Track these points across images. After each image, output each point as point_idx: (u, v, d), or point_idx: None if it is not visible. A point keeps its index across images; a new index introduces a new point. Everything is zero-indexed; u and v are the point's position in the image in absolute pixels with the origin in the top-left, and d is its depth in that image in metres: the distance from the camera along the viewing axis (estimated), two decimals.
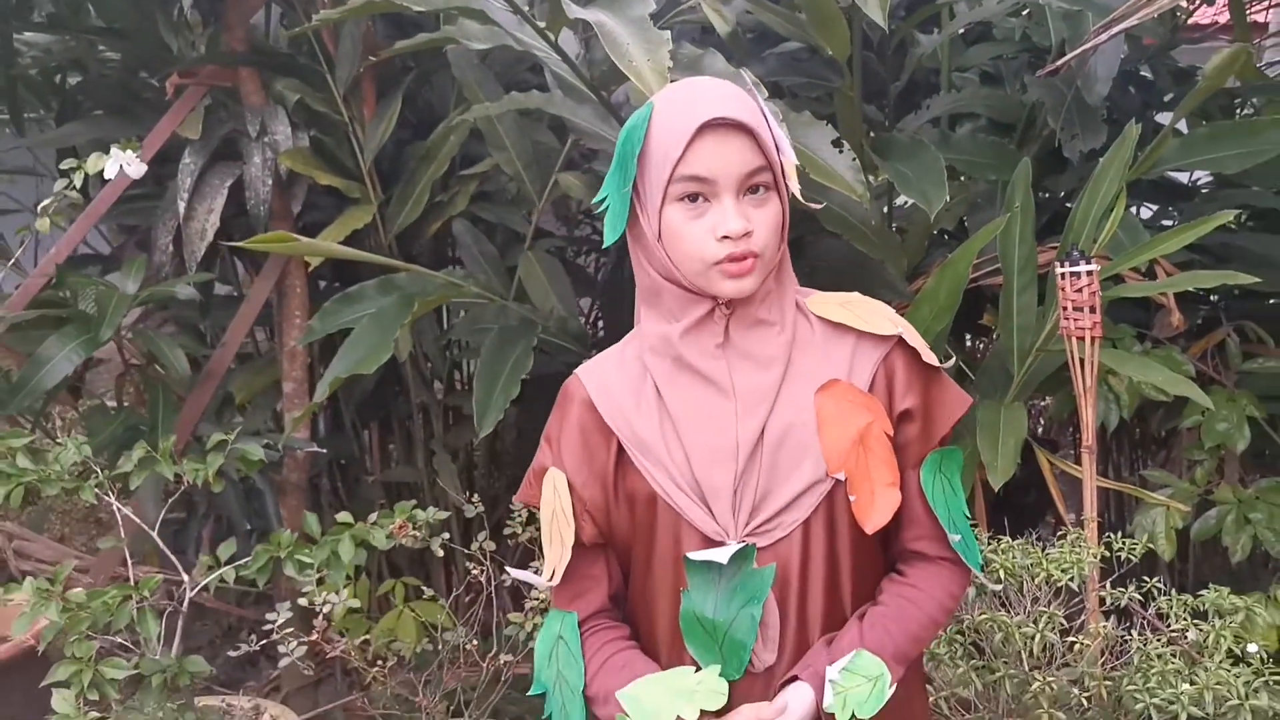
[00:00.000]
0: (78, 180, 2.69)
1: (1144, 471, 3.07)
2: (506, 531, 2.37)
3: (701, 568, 1.37)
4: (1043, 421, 4.49)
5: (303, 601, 2.31)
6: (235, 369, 3.66)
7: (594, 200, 1.48)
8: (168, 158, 3.37)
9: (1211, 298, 3.36)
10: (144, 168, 2.79)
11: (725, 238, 1.34)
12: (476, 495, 2.60)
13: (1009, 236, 2.62)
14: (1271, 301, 3.21)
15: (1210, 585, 2.04)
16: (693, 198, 1.36)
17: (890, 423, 1.41)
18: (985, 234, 2.48)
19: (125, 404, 3.77)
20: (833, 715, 1.35)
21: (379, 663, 2.39)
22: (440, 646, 2.48)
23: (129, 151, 2.65)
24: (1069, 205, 3.32)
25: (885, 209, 3.35)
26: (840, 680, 1.35)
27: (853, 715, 1.34)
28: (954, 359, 1.52)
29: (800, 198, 1.39)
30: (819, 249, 3.01)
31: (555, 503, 1.47)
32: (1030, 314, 2.65)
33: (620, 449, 1.45)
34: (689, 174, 1.35)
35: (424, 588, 2.94)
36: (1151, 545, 2.72)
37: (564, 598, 1.51)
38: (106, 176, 2.68)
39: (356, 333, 2.86)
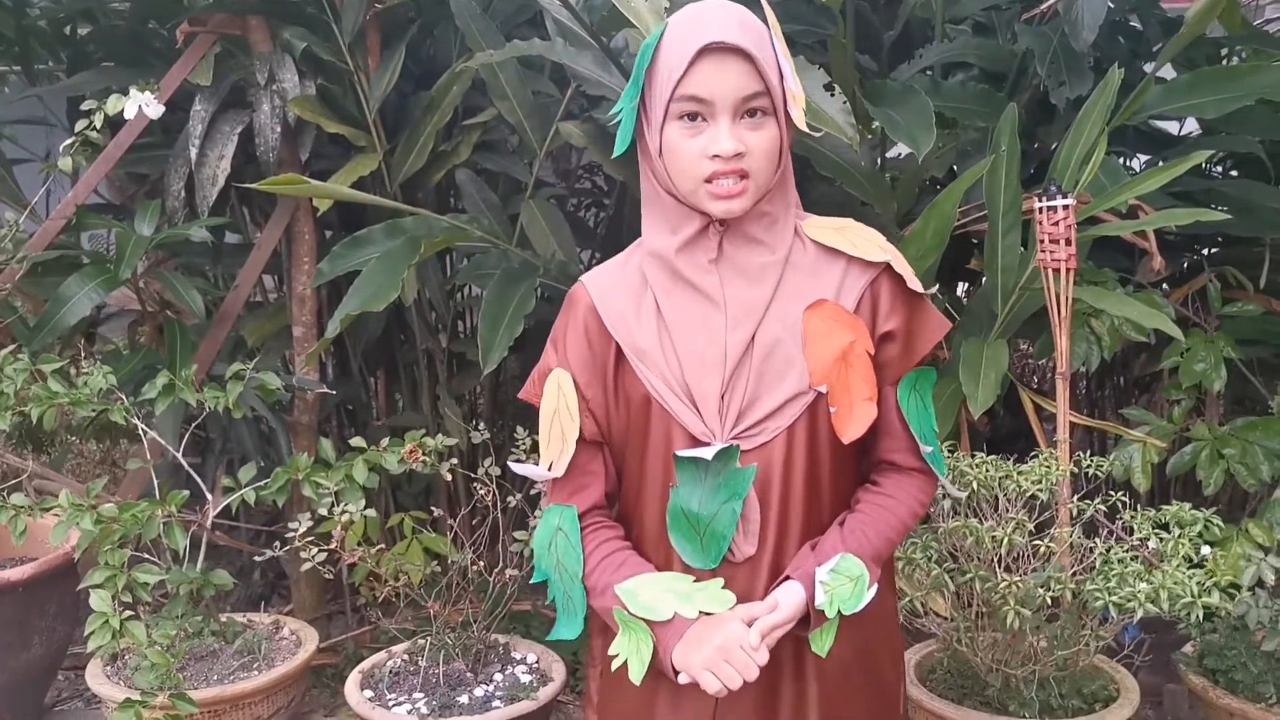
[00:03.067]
0: (98, 121, 2.78)
1: (1124, 410, 3.18)
2: (512, 458, 2.47)
3: (689, 465, 1.49)
4: (1037, 379, 4.60)
5: (321, 511, 2.42)
6: (245, 315, 3.77)
7: (610, 112, 1.58)
8: (176, 107, 3.45)
9: (1195, 245, 3.46)
10: (162, 109, 2.88)
11: (716, 156, 1.43)
12: (483, 424, 2.70)
13: (995, 179, 2.71)
14: (1255, 249, 3.30)
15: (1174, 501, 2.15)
16: (691, 116, 1.45)
17: (872, 342, 1.52)
18: (972, 174, 2.57)
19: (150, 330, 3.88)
20: (822, 612, 1.47)
21: (392, 582, 2.51)
22: (449, 565, 2.59)
23: (148, 93, 2.74)
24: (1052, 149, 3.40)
25: (879, 161, 3.44)
26: (829, 581, 1.47)
27: (839, 611, 1.47)
28: (935, 286, 1.61)
29: (803, 127, 1.47)
30: (812, 195, 3.09)
31: (559, 401, 1.58)
32: (1014, 255, 2.75)
33: (619, 352, 1.55)
34: (688, 94, 1.44)
35: (432, 510, 3.03)
36: (1121, 467, 2.84)
37: (563, 493, 1.62)
38: (126, 117, 2.76)
39: (366, 272, 2.95)
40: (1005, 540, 1.98)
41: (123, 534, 2.33)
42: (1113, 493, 2.14)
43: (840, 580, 1.47)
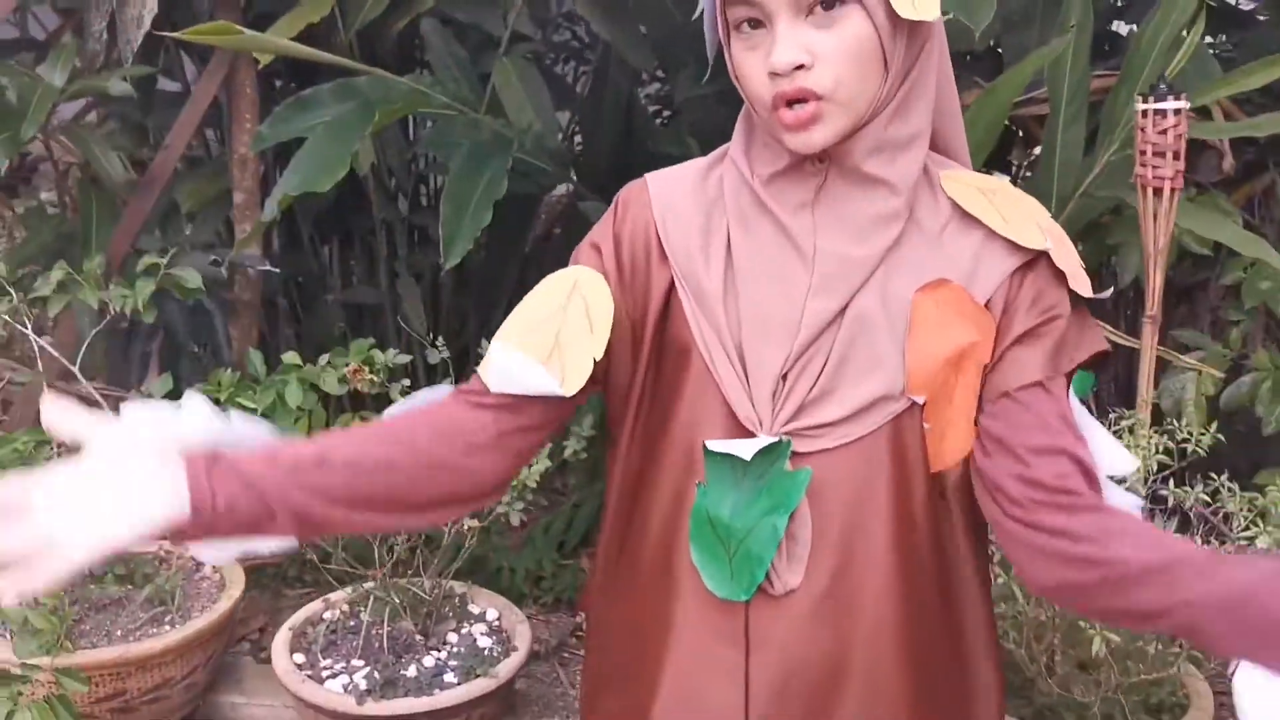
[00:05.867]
0: None
1: (1175, 331, 2.80)
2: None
3: (723, 458, 1.10)
4: None
5: None
6: (184, 174, 3.35)
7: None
8: None
9: (1260, 140, 3.05)
10: None
11: (774, 74, 1.04)
12: (441, 339, 2.30)
13: (1060, 58, 2.27)
14: None
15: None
16: (752, 23, 1.06)
17: (993, 352, 1.10)
18: (1037, 59, 2.15)
19: (67, 206, 3.45)
20: None
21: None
22: None
23: None
24: (1111, 28, 2.98)
25: None
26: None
27: None
28: (1111, 289, 1.18)
29: (914, 12, 1.04)
30: None
31: (569, 302, 1.15)
32: (1076, 150, 2.34)
33: (671, 286, 1.15)
34: None
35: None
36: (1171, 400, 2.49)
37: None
38: None
39: (310, 144, 2.54)
40: None
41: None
42: (1212, 476, 1.77)
43: None
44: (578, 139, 3.95)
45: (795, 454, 1.09)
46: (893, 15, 1.04)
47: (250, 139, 3.10)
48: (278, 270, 3.30)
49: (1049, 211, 1.15)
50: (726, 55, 1.10)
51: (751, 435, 1.10)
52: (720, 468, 1.10)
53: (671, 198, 1.18)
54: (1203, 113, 2.44)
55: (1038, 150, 2.94)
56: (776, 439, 1.09)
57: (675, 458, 1.15)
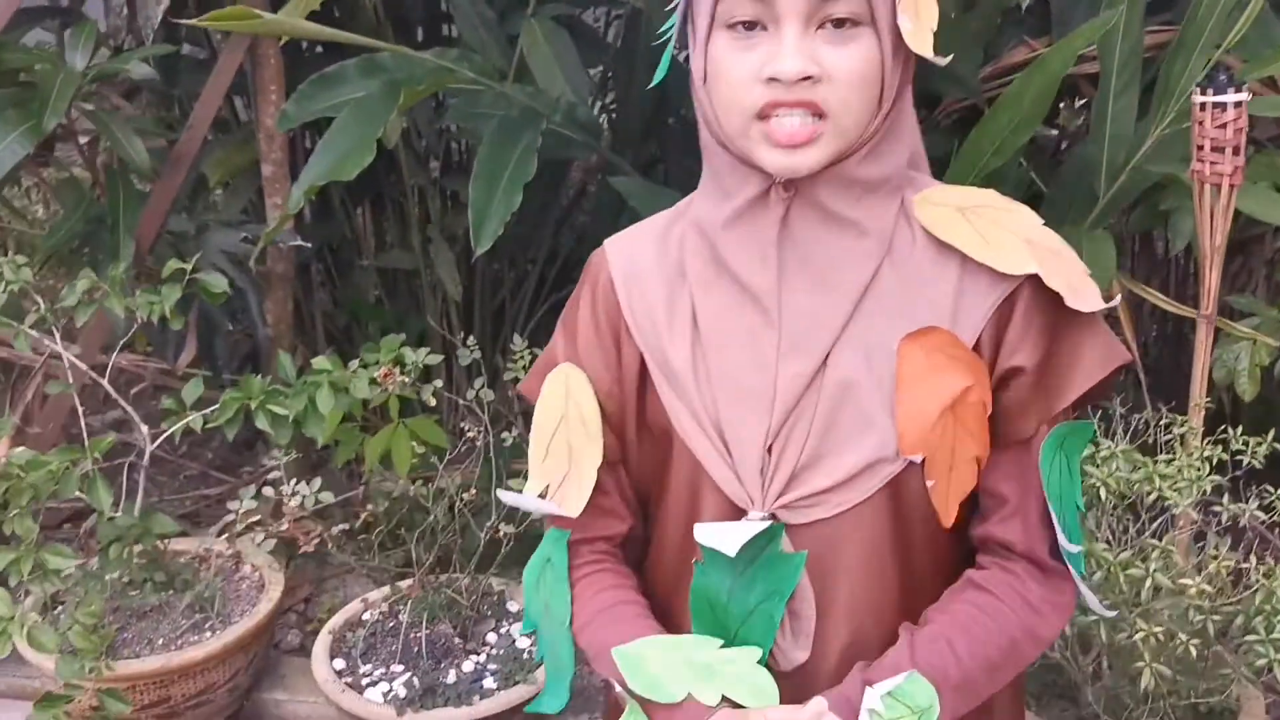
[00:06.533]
0: None
1: (1230, 297, 2.68)
2: (508, 377, 2.05)
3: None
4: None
5: (268, 492, 2.01)
6: (211, 143, 3.31)
7: (661, 30, 1.10)
8: None
9: None
10: None
11: (774, 80, 0.95)
12: (472, 338, 2.26)
13: (1112, 27, 2.16)
14: None
15: None
16: (748, 25, 0.97)
17: (989, 388, 1.03)
18: (1088, 31, 2.04)
19: (96, 185, 3.42)
20: None
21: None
22: (431, 494, 2.19)
23: None
24: None
25: None
26: (883, 711, 0.99)
27: None
28: (1119, 297, 1.10)
29: (922, 49, 0.97)
30: None
31: (566, 407, 1.13)
32: (1128, 121, 2.23)
33: (644, 363, 1.11)
34: None
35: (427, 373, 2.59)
36: (1225, 370, 2.40)
37: (564, 524, 1.16)
38: None
39: (335, 127, 2.47)
40: (1149, 581, 1.55)
41: (32, 495, 1.89)
42: (1269, 489, 1.69)
43: (899, 710, 0.99)
44: (610, 88, 3.85)
45: (791, 526, 1.03)
46: (896, 47, 0.97)
47: (276, 110, 3.03)
48: (309, 245, 3.27)
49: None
50: (698, 55, 1.02)
51: (744, 512, 1.05)
52: (714, 551, 1.04)
53: (633, 267, 1.12)
54: (1267, 80, 2.32)
55: (1081, 104, 2.83)
56: (766, 523, 1.03)
57: (673, 533, 1.12)
